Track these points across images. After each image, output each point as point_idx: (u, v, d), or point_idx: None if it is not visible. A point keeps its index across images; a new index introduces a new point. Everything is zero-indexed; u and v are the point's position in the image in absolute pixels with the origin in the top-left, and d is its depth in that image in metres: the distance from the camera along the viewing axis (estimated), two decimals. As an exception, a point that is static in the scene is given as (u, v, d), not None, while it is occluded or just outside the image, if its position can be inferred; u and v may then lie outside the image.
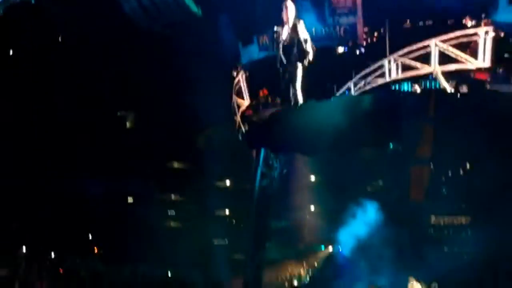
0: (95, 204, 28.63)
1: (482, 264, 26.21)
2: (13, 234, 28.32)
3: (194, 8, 25.38)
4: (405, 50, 25.01)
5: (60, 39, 28.85)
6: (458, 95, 24.53)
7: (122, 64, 26.93)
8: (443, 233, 28.82)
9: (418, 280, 23.82)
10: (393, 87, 26.00)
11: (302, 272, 30.11)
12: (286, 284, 28.73)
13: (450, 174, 28.64)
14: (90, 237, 30.25)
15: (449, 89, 24.75)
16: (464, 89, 25.20)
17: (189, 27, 25.81)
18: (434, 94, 25.23)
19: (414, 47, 24.70)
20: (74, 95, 28.30)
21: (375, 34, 29.48)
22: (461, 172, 28.39)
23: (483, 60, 23.82)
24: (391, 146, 27.32)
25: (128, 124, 30.59)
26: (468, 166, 28.15)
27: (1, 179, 26.79)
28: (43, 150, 28.23)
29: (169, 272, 29.59)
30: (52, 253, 29.24)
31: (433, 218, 28.45)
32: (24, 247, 28.74)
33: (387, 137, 25.26)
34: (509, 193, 24.14)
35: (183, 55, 25.65)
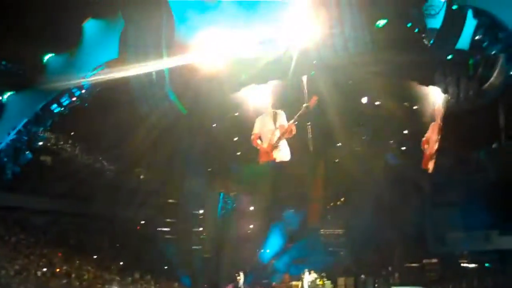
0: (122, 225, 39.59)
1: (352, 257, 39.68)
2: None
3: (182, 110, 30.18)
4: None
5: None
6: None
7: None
8: (328, 239, 42.90)
9: (310, 271, 34.80)
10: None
11: (246, 266, 39.88)
12: (238, 273, 36.77)
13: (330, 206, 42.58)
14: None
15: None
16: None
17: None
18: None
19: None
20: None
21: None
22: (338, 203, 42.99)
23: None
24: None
25: (142, 177, 41.65)
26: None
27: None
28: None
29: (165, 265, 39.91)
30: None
31: (322, 231, 42.76)
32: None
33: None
34: (364, 217, 37.41)
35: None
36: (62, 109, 29.88)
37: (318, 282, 34.62)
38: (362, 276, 35.53)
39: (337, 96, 29.36)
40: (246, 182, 37.02)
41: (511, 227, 33.93)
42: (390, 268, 39.26)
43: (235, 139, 34.76)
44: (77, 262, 35.42)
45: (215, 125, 34.97)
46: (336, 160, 37.03)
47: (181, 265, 39.43)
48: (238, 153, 35.65)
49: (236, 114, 31.53)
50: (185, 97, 30.39)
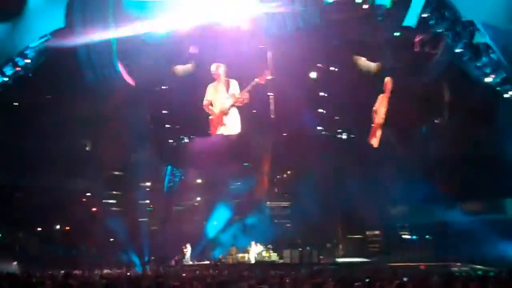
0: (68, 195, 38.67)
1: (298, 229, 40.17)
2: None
3: (129, 80, 31.05)
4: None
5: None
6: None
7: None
8: (274, 212, 43.33)
9: (256, 244, 35.53)
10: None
11: (193, 238, 40.04)
12: (185, 246, 37.61)
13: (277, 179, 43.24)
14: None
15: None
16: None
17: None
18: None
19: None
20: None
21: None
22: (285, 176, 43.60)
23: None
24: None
25: (88, 148, 41.41)
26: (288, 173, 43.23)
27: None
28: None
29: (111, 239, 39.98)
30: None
31: (268, 204, 43.01)
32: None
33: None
34: (310, 190, 37.23)
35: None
36: (6, 79, 28.70)
37: (265, 254, 35.12)
38: (307, 248, 35.69)
39: (288, 70, 29.62)
40: (194, 155, 36.64)
41: (451, 200, 34.70)
42: (334, 241, 40.36)
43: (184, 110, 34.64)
44: (21, 234, 34.63)
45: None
46: (285, 134, 36.81)
47: (127, 238, 39.01)
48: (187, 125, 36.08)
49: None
50: (132, 68, 30.68)
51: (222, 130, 30.72)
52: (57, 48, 27.59)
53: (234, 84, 29.00)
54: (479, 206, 35.01)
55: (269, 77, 26.62)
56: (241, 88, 29.31)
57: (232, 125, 26.99)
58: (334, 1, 27.35)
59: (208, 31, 29.38)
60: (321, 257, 35.07)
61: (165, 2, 28.28)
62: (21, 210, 35.98)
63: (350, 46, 30.22)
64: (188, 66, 33.47)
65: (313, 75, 31.43)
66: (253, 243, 35.48)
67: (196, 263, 35.91)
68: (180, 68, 33.60)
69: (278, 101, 33.56)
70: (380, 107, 31.36)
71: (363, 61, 31.47)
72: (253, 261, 34.51)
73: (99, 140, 39.95)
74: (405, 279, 15.59)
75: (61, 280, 17.70)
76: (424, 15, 26.72)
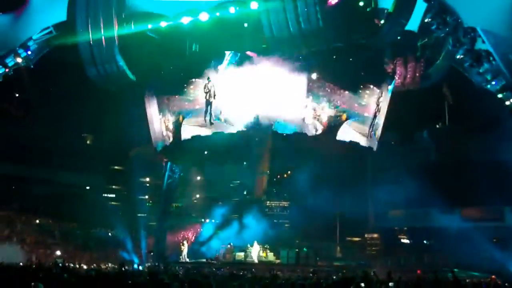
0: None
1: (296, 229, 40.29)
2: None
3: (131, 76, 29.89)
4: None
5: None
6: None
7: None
8: (273, 211, 43.54)
9: (258, 243, 35.14)
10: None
11: (190, 235, 41.68)
12: (180, 243, 37.74)
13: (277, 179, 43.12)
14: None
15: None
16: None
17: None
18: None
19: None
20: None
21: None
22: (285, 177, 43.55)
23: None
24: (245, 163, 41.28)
25: (89, 142, 42.14)
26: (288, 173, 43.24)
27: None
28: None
29: (110, 232, 40.67)
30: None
31: (267, 203, 43.10)
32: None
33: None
34: (309, 191, 37.37)
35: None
36: (7, 70, 28.74)
37: (262, 253, 34.97)
38: (304, 249, 35.66)
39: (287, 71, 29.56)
40: (194, 153, 36.65)
41: (449, 205, 34.62)
42: (332, 242, 40.09)
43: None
44: (19, 226, 34.80)
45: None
46: (285, 134, 36.60)
47: (126, 233, 39.12)
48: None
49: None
50: (134, 63, 30.15)
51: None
52: (59, 42, 27.79)
53: None
54: (478, 212, 35.13)
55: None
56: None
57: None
58: (336, 3, 27.10)
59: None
60: (318, 258, 34.97)
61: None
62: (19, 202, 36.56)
63: (350, 48, 29.96)
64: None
65: (313, 75, 30.95)
66: (255, 243, 35.24)
67: (192, 260, 35.63)
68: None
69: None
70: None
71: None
72: (256, 261, 34.30)
73: (100, 134, 40.55)
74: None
75: (55, 274, 17.73)
76: (426, 20, 26.56)
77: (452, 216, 35.44)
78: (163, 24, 28.61)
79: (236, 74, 30.85)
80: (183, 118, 31.73)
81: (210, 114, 31.11)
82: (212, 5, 27.96)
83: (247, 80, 30.67)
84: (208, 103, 31.07)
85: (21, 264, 23.95)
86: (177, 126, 31.75)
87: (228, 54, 31.29)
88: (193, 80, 31.42)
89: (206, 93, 30.87)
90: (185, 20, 28.22)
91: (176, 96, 32.01)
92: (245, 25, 29.02)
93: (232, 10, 27.52)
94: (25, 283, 13.28)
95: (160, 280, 14.80)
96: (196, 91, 31.44)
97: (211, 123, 31.19)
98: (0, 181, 37.06)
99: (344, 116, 31.20)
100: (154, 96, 33.02)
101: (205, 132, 31.28)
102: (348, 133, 31.14)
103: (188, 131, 31.39)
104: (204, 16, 27.76)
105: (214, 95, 30.85)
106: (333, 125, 30.99)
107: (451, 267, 27.56)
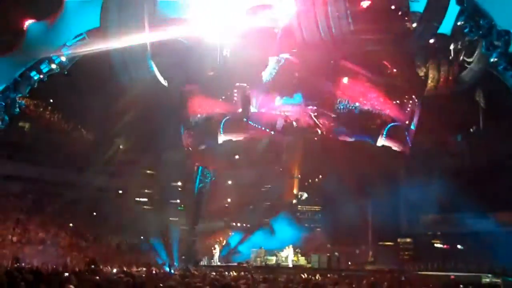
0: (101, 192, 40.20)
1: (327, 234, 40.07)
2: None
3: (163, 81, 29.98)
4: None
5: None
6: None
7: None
8: (305, 216, 43.40)
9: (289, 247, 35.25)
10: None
11: (222, 239, 41.86)
12: (214, 247, 38.49)
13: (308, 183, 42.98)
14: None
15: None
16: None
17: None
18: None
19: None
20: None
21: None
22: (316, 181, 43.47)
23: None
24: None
25: (121, 147, 41.76)
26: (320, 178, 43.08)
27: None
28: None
29: (142, 236, 40.27)
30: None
31: (298, 207, 43.18)
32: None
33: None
34: (341, 195, 37.16)
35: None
36: (41, 76, 29.41)
37: (293, 258, 34.88)
38: (336, 253, 35.49)
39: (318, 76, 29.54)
40: (225, 157, 36.84)
41: (483, 210, 34.32)
42: (363, 247, 39.86)
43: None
44: (53, 229, 35.25)
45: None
46: (316, 138, 36.50)
47: (157, 237, 39.27)
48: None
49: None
50: (166, 69, 30.27)
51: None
52: (92, 48, 27.87)
53: None
54: (512, 217, 34.22)
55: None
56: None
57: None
58: (368, 5, 27.10)
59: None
60: (349, 263, 34.83)
61: (200, 3, 28.23)
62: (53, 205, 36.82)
63: (383, 52, 29.77)
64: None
65: (344, 80, 30.88)
66: (290, 247, 35.31)
67: (224, 264, 35.97)
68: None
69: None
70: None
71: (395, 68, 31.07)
72: (290, 265, 34.29)
73: (132, 139, 40.52)
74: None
75: (86, 276, 17.90)
76: (459, 23, 26.26)
77: (486, 221, 35.23)
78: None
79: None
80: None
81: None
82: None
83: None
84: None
85: (54, 266, 24.03)
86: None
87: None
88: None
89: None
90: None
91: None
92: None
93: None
94: (58, 285, 13.44)
95: (192, 283, 14.84)
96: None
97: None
98: (34, 185, 37.53)
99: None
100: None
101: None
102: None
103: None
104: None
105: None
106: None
107: (485, 273, 27.86)
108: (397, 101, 31.75)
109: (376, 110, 31.23)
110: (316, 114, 31.59)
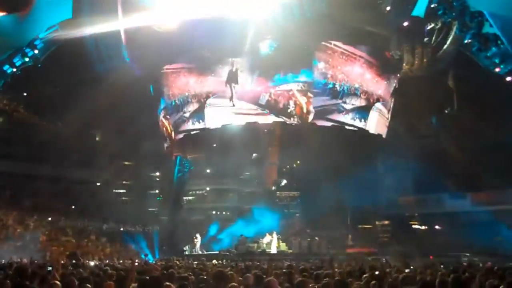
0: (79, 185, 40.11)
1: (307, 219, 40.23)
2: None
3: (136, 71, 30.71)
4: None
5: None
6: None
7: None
8: (284, 202, 43.34)
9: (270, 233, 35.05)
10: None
11: (202, 228, 40.22)
12: (195, 236, 37.19)
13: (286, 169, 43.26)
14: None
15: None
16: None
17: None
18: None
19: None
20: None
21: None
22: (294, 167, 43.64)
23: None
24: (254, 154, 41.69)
25: (97, 138, 42.31)
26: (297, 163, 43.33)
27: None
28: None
29: (122, 227, 39.67)
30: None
31: (277, 194, 43.28)
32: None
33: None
34: (319, 180, 38.03)
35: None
36: (15, 69, 29.03)
37: (275, 244, 34.60)
38: (316, 238, 35.68)
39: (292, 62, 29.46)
40: (204, 146, 36.74)
41: (460, 190, 34.88)
42: (343, 231, 39.55)
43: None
44: (32, 224, 34.93)
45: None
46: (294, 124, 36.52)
47: (137, 227, 39.61)
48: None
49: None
50: (140, 59, 30.33)
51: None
52: (65, 40, 27.69)
53: None
54: (489, 196, 34.89)
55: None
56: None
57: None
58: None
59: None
60: (329, 247, 34.61)
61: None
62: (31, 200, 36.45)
63: (357, 35, 29.84)
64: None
65: (320, 65, 30.85)
66: (273, 233, 35.03)
67: (205, 252, 35.70)
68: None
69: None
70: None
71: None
72: (275, 252, 34.08)
73: (108, 130, 40.37)
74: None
75: (69, 270, 17.74)
76: (433, 5, 26.50)
77: (463, 201, 35.68)
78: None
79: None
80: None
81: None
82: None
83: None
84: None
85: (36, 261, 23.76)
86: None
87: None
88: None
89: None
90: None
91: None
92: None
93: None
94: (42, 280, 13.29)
95: (175, 273, 14.77)
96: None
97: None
98: (11, 179, 37.06)
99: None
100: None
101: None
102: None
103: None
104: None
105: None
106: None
107: (463, 252, 28.55)
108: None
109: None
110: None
